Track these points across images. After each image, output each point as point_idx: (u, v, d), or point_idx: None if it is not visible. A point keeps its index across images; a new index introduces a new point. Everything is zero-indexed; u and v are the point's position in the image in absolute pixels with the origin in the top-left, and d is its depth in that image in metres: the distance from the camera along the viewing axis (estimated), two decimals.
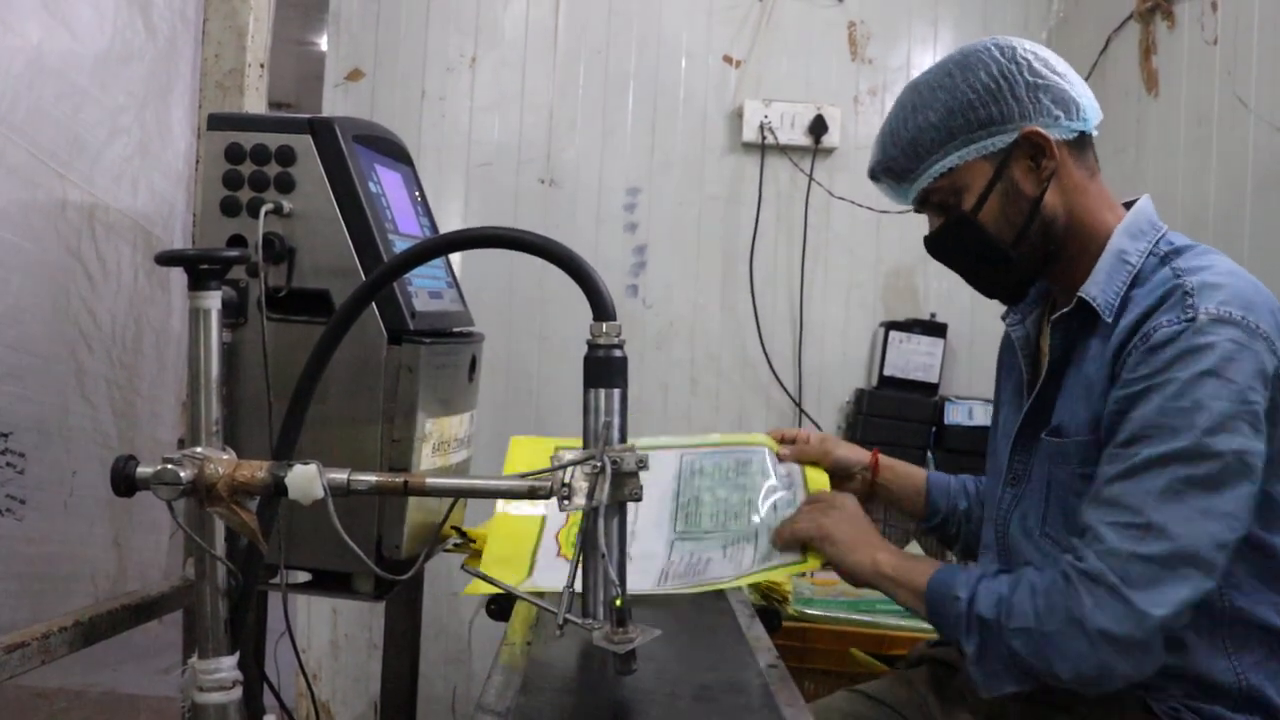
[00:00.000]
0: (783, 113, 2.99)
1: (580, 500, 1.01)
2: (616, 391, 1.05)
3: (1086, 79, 2.79)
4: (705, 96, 3.06)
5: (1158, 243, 1.36)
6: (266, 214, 1.40)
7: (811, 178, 3.02)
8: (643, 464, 1.04)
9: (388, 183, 1.57)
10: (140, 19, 1.66)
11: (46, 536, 1.49)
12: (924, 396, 2.94)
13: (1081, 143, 1.38)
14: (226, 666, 1.18)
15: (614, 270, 3.02)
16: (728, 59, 3.07)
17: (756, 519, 1.60)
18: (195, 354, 1.20)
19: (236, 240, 1.43)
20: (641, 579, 1.45)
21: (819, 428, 3.03)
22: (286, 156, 1.43)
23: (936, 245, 1.44)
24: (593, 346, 1.06)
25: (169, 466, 1.07)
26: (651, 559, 1.52)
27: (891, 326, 2.99)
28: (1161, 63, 2.49)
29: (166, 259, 1.24)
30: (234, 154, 1.45)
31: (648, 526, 1.58)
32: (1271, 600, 1.27)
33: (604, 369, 1.06)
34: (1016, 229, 1.37)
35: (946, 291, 3.04)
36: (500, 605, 1.48)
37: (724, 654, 1.27)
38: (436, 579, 2.85)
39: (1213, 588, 1.18)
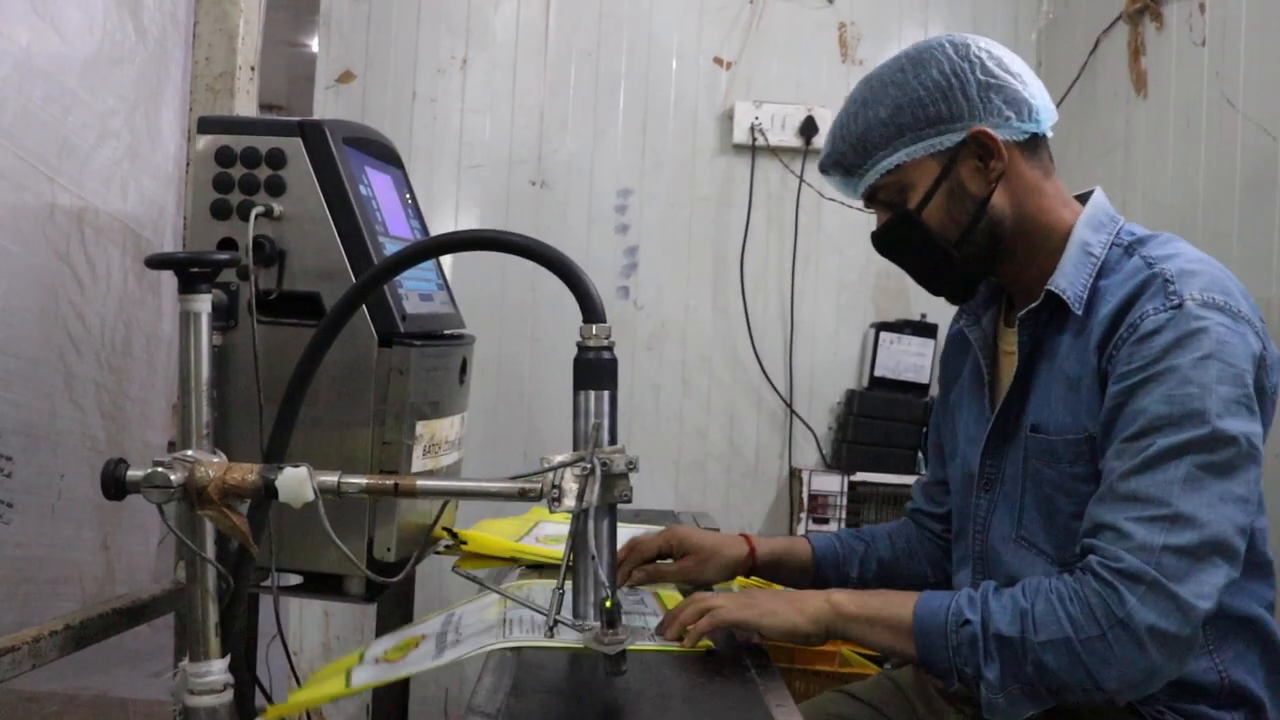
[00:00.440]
0: (773, 114, 3.00)
1: (570, 502, 1.01)
2: (606, 393, 1.06)
3: (1076, 80, 2.83)
4: (696, 98, 3.07)
5: (1118, 233, 1.35)
6: (257, 217, 1.40)
7: (802, 179, 3.02)
8: (633, 465, 1.04)
9: (378, 185, 1.57)
10: (130, 21, 1.66)
11: (34, 540, 1.48)
12: (914, 397, 2.95)
13: (1035, 143, 1.36)
14: (217, 669, 1.18)
15: (605, 272, 3.02)
16: (718, 60, 3.07)
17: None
18: (186, 357, 1.20)
19: (227, 243, 1.43)
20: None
21: (811, 430, 3.04)
22: (277, 159, 1.43)
23: (882, 241, 1.42)
24: (582, 348, 1.07)
25: (159, 470, 1.07)
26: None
27: (882, 327, 3.00)
28: (1150, 64, 2.50)
29: (157, 262, 1.24)
30: (224, 157, 1.44)
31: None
32: (1251, 590, 1.27)
33: (593, 371, 1.06)
34: (961, 228, 1.35)
35: None
36: None
37: (713, 655, 1.27)
38: (427, 583, 2.85)
39: (1238, 575, 1.16)
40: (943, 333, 2.96)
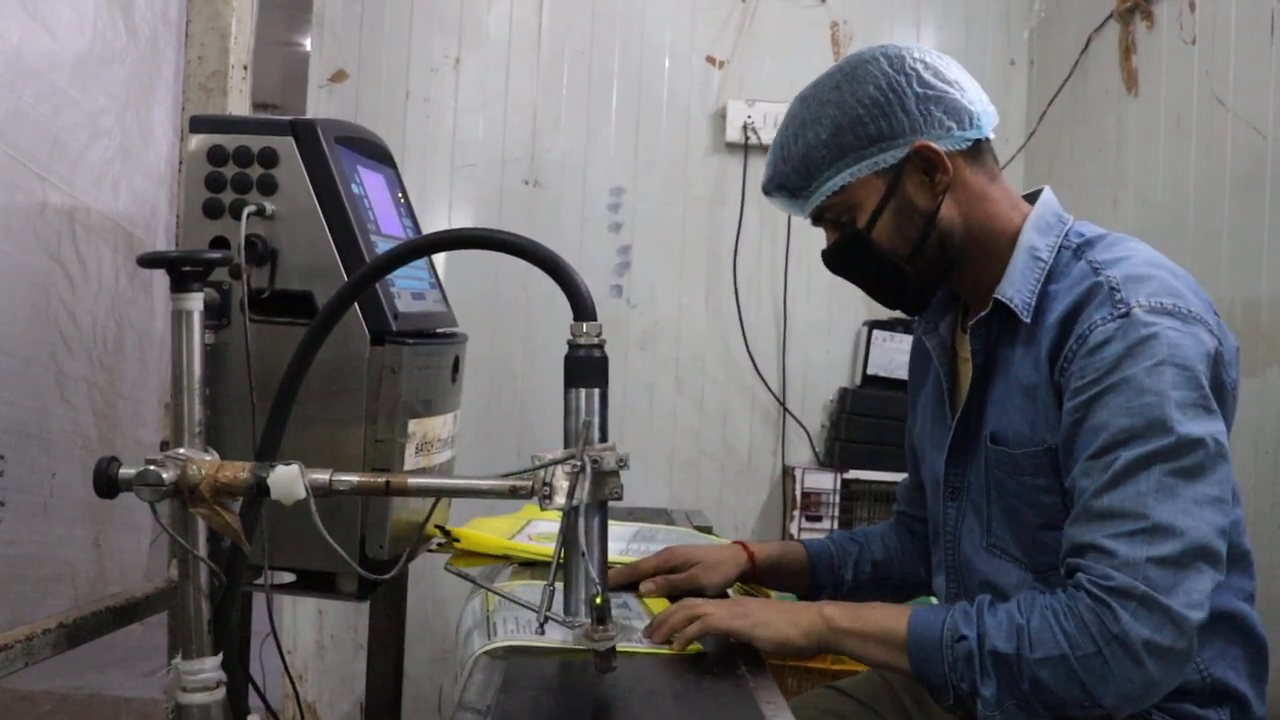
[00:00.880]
0: (766, 112, 3.00)
1: (561, 499, 1.02)
2: (597, 391, 1.06)
3: (1067, 78, 2.84)
4: (689, 97, 3.07)
5: (1066, 235, 1.34)
6: (249, 216, 1.41)
7: None
8: (624, 463, 1.05)
9: (370, 184, 1.57)
10: (121, 20, 1.66)
11: (25, 538, 1.48)
12: (907, 395, 2.95)
13: (978, 149, 1.35)
14: (210, 667, 1.18)
15: (598, 270, 3.02)
16: (711, 59, 3.08)
17: None
18: (178, 356, 1.20)
19: (219, 242, 1.43)
20: None
21: (804, 428, 3.04)
22: (269, 158, 1.44)
23: (832, 260, 1.41)
24: (573, 346, 1.07)
25: (152, 468, 1.07)
26: None
27: (875, 325, 3.00)
28: (1141, 62, 2.51)
29: (149, 261, 1.24)
30: (216, 156, 1.45)
31: None
32: (1230, 584, 1.26)
33: (584, 369, 1.06)
34: (912, 243, 1.33)
35: None
36: None
37: (703, 658, 1.28)
38: (422, 580, 2.85)
39: (1222, 578, 1.16)
40: None
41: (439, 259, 1.64)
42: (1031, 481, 1.30)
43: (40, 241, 1.50)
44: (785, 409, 3.05)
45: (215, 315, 1.42)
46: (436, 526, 1.66)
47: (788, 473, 3.00)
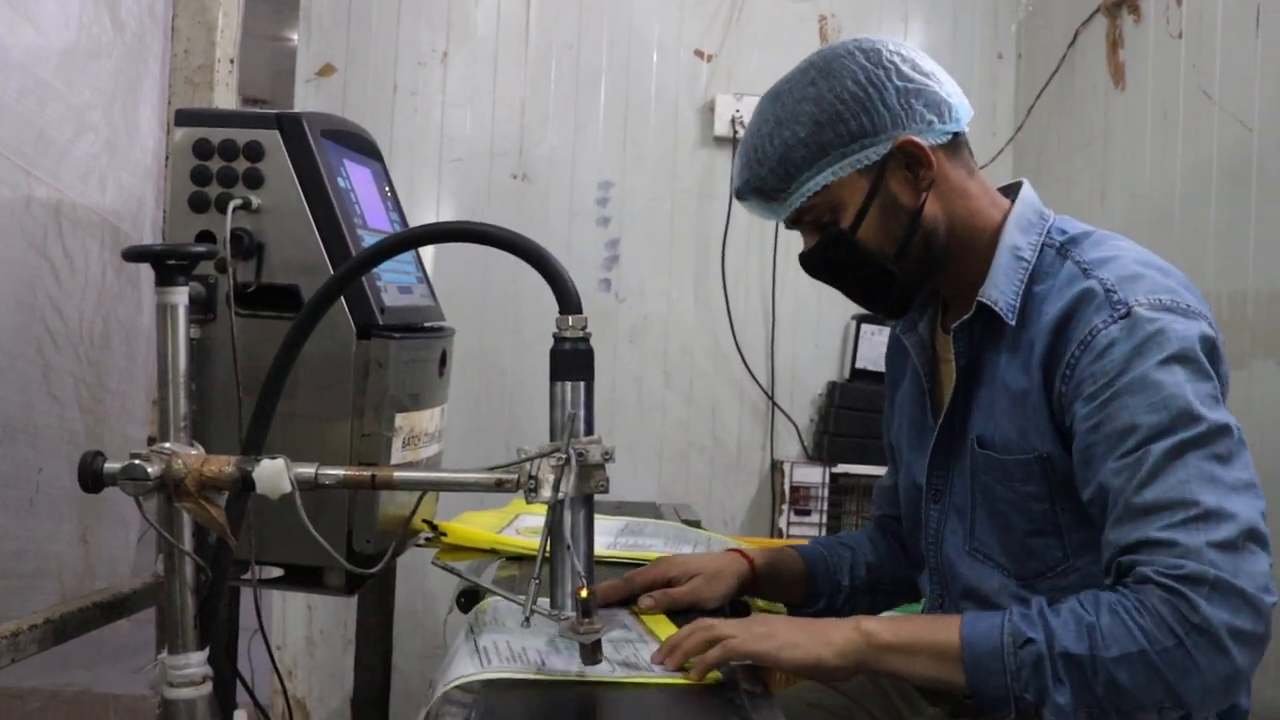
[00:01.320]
0: (754, 106, 2.99)
1: (547, 493, 1.02)
2: (582, 384, 1.06)
3: (1055, 72, 2.84)
4: (677, 91, 3.07)
5: (1048, 232, 1.31)
6: (235, 210, 1.40)
7: None
8: (609, 456, 1.05)
9: (357, 178, 1.57)
10: (107, 14, 1.66)
11: (11, 534, 1.48)
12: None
13: (956, 144, 1.32)
14: (196, 662, 1.18)
15: (587, 264, 3.02)
16: (699, 53, 3.08)
17: None
18: (163, 350, 1.20)
19: (205, 236, 1.43)
20: None
21: (792, 422, 3.05)
22: (255, 152, 1.43)
23: (813, 264, 1.36)
24: (558, 339, 1.07)
25: (137, 462, 1.07)
26: None
27: (863, 319, 3.01)
28: (1128, 56, 2.52)
29: (134, 255, 1.24)
30: (202, 150, 1.44)
31: None
32: None
33: (570, 362, 1.06)
34: (898, 243, 1.30)
35: None
36: (469, 598, 1.49)
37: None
38: (411, 575, 2.85)
39: (1272, 562, 1.10)
40: None
41: (426, 253, 1.64)
42: (1022, 488, 1.27)
43: (26, 236, 1.49)
44: (774, 403, 3.06)
45: (201, 309, 1.41)
46: (424, 521, 1.66)
47: (776, 467, 3.01)
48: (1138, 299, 1.18)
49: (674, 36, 3.07)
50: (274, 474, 1.05)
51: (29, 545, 1.52)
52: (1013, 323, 1.28)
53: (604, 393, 1.09)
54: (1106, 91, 2.59)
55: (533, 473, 1.03)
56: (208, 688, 1.19)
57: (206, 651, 1.20)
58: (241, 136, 1.44)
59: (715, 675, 1.14)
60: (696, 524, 2.09)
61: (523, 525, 1.79)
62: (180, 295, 1.20)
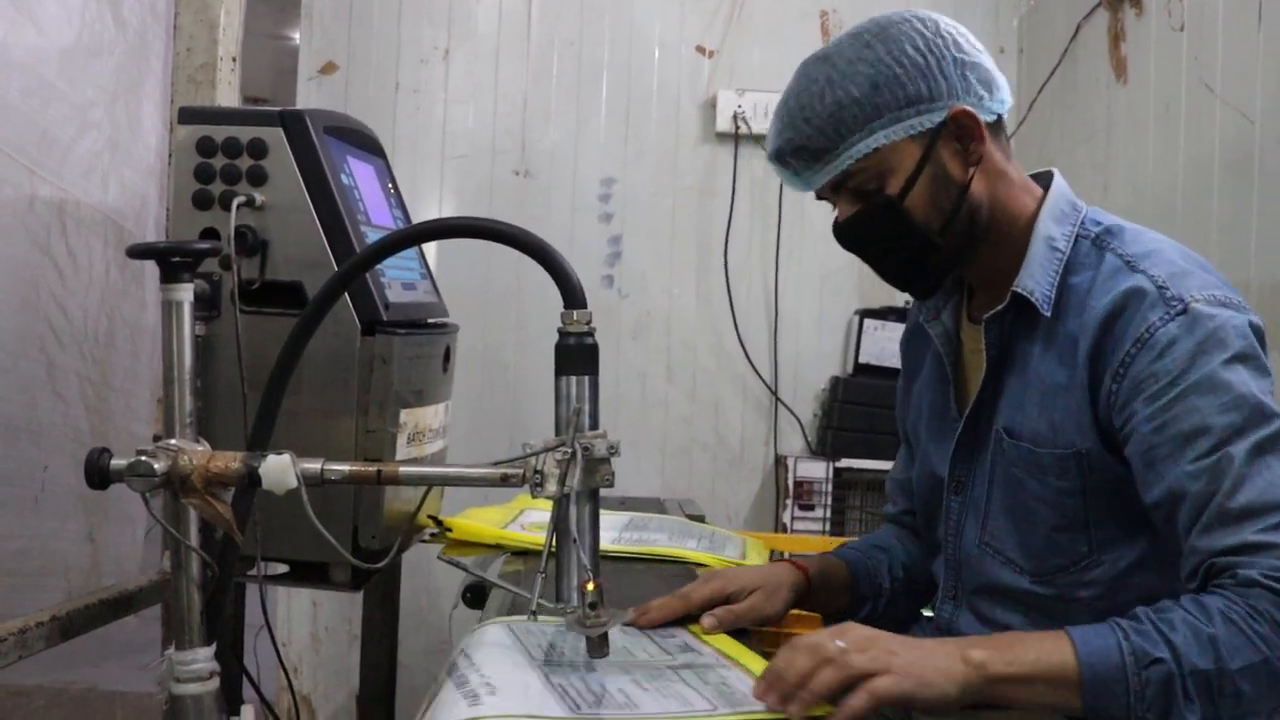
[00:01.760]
0: (756, 102, 3.00)
1: (552, 487, 1.02)
2: (587, 378, 1.06)
3: (1057, 66, 2.84)
4: (679, 87, 3.07)
5: (1082, 223, 1.30)
6: (239, 207, 1.41)
7: None
8: (614, 450, 1.05)
9: (360, 175, 1.57)
10: (109, 13, 1.66)
11: (17, 532, 1.48)
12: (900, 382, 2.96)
13: (999, 125, 1.30)
14: (203, 657, 1.18)
15: (589, 260, 3.02)
16: (701, 49, 3.08)
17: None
18: (169, 347, 1.20)
19: (209, 233, 1.43)
20: None
21: (796, 417, 3.05)
22: (258, 149, 1.44)
23: (851, 233, 1.31)
24: (563, 334, 1.07)
25: (143, 459, 1.07)
26: None
27: (866, 314, 3.01)
28: (1130, 49, 2.51)
29: (138, 252, 1.24)
30: (206, 147, 1.45)
31: None
32: None
33: (574, 356, 1.06)
34: (944, 215, 1.27)
35: None
36: (475, 593, 1.50)
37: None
38: (416, 571, 2.85)
39: None
40: None
41: (429, 249, 1.65)
42: (1055, 483, 1.26)
43: (30, 235, 1.50)
44: (777, 398, 3.06)
45: (206, 306, 1.42)
46: (429, 517, 1.66)
47: (780, 462, 3.01)
48: (1192, 295, 1.17)
49: (675, 32, 3.07)
50: (280, 470, 1.06)
51: (35, 543, 1.53)
52: (1048, 314, 1.26)
53: (607, 389, 1.09)
54: (1108, 85, 2.59)
55: (538, 467, 1.03)
56: (215, 683, 1.19)
57: (214, 647, 1.20)
58: (245, 134, 1.44)
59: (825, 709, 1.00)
60: (700, 519, 2.09)
61: (528, 520, 1.79)
62: (185, 292, 1.20)
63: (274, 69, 7.15)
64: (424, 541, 1.72)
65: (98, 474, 1.08)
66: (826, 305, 3.09)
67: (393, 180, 1.74)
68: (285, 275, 1.43)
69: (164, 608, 1.71)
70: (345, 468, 1.08)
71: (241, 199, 1.41)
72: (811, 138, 1.26)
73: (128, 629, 1.70)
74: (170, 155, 1.80)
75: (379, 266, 1.43)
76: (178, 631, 1.19)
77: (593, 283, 3.01)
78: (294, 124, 1.44)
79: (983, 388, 1.34)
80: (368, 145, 1.68)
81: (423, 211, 2.94)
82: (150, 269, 1.75)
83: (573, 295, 1.07)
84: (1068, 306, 1.26)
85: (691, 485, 3.05)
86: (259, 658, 1.69)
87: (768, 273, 3.06)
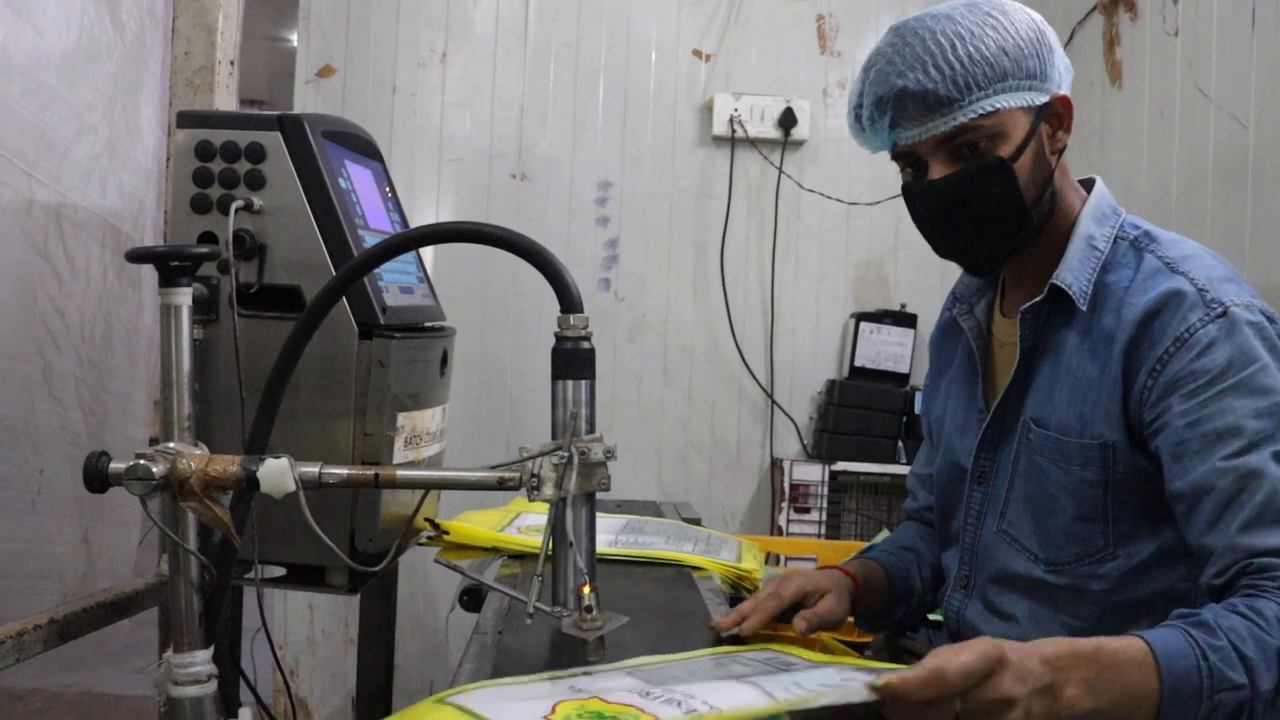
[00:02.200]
0: (752, 106, 3.01)
1: (549, 490, 1.02)
2: (584, 383, 1.07)
3: None
4: (675, 90, 3.08)
5: (1121, 226, 1.34)
6: (237, 211, 1.41)
7: (781, 170, 3.04)
8: (611, 454, 1.05)
9: (358, 178, 1.58)
10: (108, 17, 1.66)
11: (13, 535, 1.48)
12: (895, 387, 2.97)
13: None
14: (201, 660, 1.19)
15: (586, 264, 3.03)
16: (697, 53, 3.08)
17: None
18: (167, 350, 1.20)
19: (207, 237, 1.44)
20: None
21: (791, 420, 3.05)
22: (256, 153, 1.44)
23: (953, 189, 1.28)
24: (560, 338, 1.08)
25: (142, 462, 1.07)
26: None
27: (862, 317, 3.02)
28: (1125, 54, 2.52)
29: (137, 256, 1.24)
30: (204, 151, 1.45)
31: None
32: None
33: (571, 360, 1.07)
34: (1037, 190, 1.29)
35: (916, 282, 3.07)
36: (472, 596, 1.50)
37: (693, 642, 1.28)
38: (412, 575, 2.86)
39: None
40: (922, 322, 2.98)
41: (426, 253, 1.65)
42: (1080, 473, 1.28)
43: (27, 238, 1.50)
44: (773, 401, 3.06)
45: (204, 310, 1.42)
46: (426, 520, 1.67)
47: (776, 465, 3.02)
48: (1232, 300, 1.20)
49: (672, 36, 3.08)
50: (278, 473, 1.06)
51: (31, 546, 1.53)
52: (1084, 308, 1.29)
53: (603, 392, 1.10)
54: (1103, 89, 2.60)
55: (535, 471, 1.03)
56: (213, 685, 1.19)
57: (211, 650, 1.21)
58: (243, 138, 1.44)
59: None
60: (697, 522, 2.09)
61: (524, 524, 1.80)
62: (184, 296, 1.21)
63: (271, 71, 7.15)
64: (421, 545, 1.72)
65: (97, 477, 1.08)
66: (822, 309, 3.10)
67: (390, 184, 1.74)
68: (283, 279, 1.44)
69: (160, 611, 1.71)
70: (343, 471, 1.09)
71: (239, 203, 1.41)
72: (939, 84, 1.25)
73: (121, 632, 1.70)
74: (168, 159, 1.80)
75: (376, 270, 1.44)
76: (176, 634, 1.19)
77: (589, 286, 3.01)
78: (292, 128, 1.45)
79: (1013, 379, 1.37)
80: (365, 149, 1.69)
81: (420, 215, 2.95)
82: (147, 272, 1.76)
83: (569, 300, 1.08)
84: (1104, 303, 1.29)
85: (688, 488, 3.06)
86: (255, 661, 1.69)
87: (764, 276, 3.07)
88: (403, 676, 2.12)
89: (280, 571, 1.50)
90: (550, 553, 1.07)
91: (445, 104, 3.03)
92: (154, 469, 1.07)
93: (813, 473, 2.93)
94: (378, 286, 1.45)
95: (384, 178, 1.73)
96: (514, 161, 3.04)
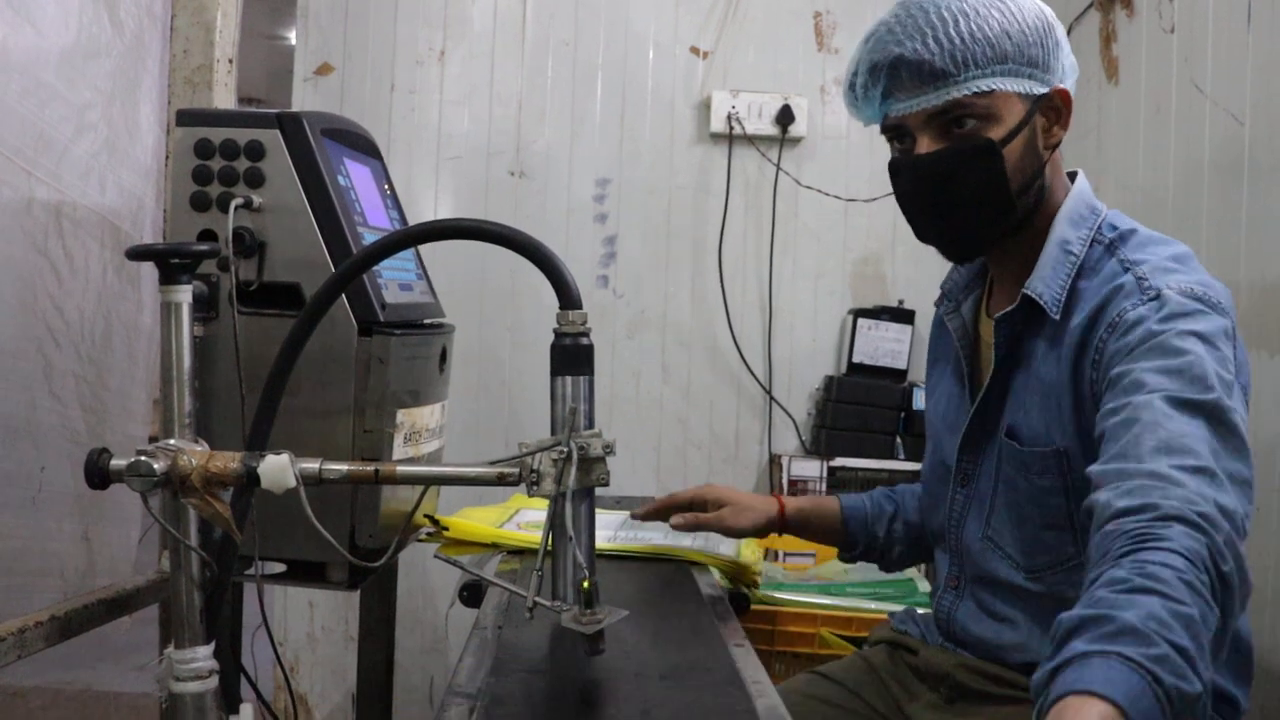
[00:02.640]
0: (750, 103, 3.01)
1: (548, 486, 1.03)
2: (583, 379, 1.07)
3: None
4: (673, 87, 3.08)
5: (1099, 228, 1.32)
6: (236, 208, 1.41)
7: (779, 167, 3.04)
8: (610, 449, 1.06)
9: (357, 176, 1.58)
10: (106, 15, 1.66)
11: (13, 532, 1.49)
12: (893, 383, 2.98)
13: None
14: (203, 656, 1.19)
15: (584, 261, 3.03)
16: (695, 50, 3.09)
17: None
18: (167, 348, 1.21)
19: (207, 235, 1.44)
20: None
21: (790, 416, 3.06)
22: (255, 151, 1.44)
23: (938, 165, 1.27)
24: (559, 334, 1.08)
25: (143, 458, 1.08)
26: None
27: (860, 314, 3.02)
28: (1121, 51, 2.53)
29: (137, 254, 1.25)
30: (203, 149, 1.45)
31: None
32: None
33: (570, 356, 1.07)
34: (1024, 180, 1.28)
35: (914, 279, 3.08)
36: (472, 592, 1.51)
37: (692, 635, 1.29)
38: (412, 571, 2.86)
39: None
40: (920, 319, 2.99)
41: (425, 250, 1.65)
42: (1039, 482, 1.29)
43: (27, 236, 1.50)
44: (771, 397, 3.07)
45: (203, 308, 1.43)
46: (426, 516, 1.67)
47: (774, 461, 3.02)
48: (1168, 284, 1.19)
49: (670, 33, 3.08)
50: (279, 469, 1.07)
51: (32, 543, 1.53)
52: (1056, 317, 1.28)
53: (602, 388, 1.11)
54: (1100, 86, 2.60)
55: (534, 466, 1.04)
56: (214, 681, 1.20)
57: (213, 646, 1.21)
58: (242, 136, 1.45)
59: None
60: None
61: (523, 520, 1.81)
62: (184, 294, 1.21)
63: (269, 70, 7.15)
64: (420, 541, 1.72)
65: (98, 474, 1.09)
66: (820, 304, 3.11)
67: (389, 181, 1.75)
68: (283, 276, 1.44)
69: (161, 608, 1.72)
70: (343, 467, 1.09)
71: (239, 201, 1.42)
72: (937, 56, 1.24)
73: (121, 629, 1.71)
74: (167, 157, 1.81)
75: (375, 267, 1.44)
76: (177, 629, 1.20)
77: (588, 283, 3.02)
78: (291, 126, 1.45)
79: (989, 385, 1.37)
80: (364, 147, 1.69)
81: (418, 212, 2.95)
82: (146, 270, 1.76)
83: (568, 296, 1.08)
84: (1072, 309, 1.27)
85: (686, 484, 3.03)
86: (256, 656, 1.70)
87: (762, 272, 3.07)
88: (402, 673, 2.13)
89: (280, 568, 1.51)
90: (550, 548, 1.07)
91: (443, 102, 3.04)
92: (155, 465, 1.07)
93: (811, 468, 2.93)
94: (377, 284, 1.45)
95: (383, 175, 1.73)
96: (512, 159, 3.05)
